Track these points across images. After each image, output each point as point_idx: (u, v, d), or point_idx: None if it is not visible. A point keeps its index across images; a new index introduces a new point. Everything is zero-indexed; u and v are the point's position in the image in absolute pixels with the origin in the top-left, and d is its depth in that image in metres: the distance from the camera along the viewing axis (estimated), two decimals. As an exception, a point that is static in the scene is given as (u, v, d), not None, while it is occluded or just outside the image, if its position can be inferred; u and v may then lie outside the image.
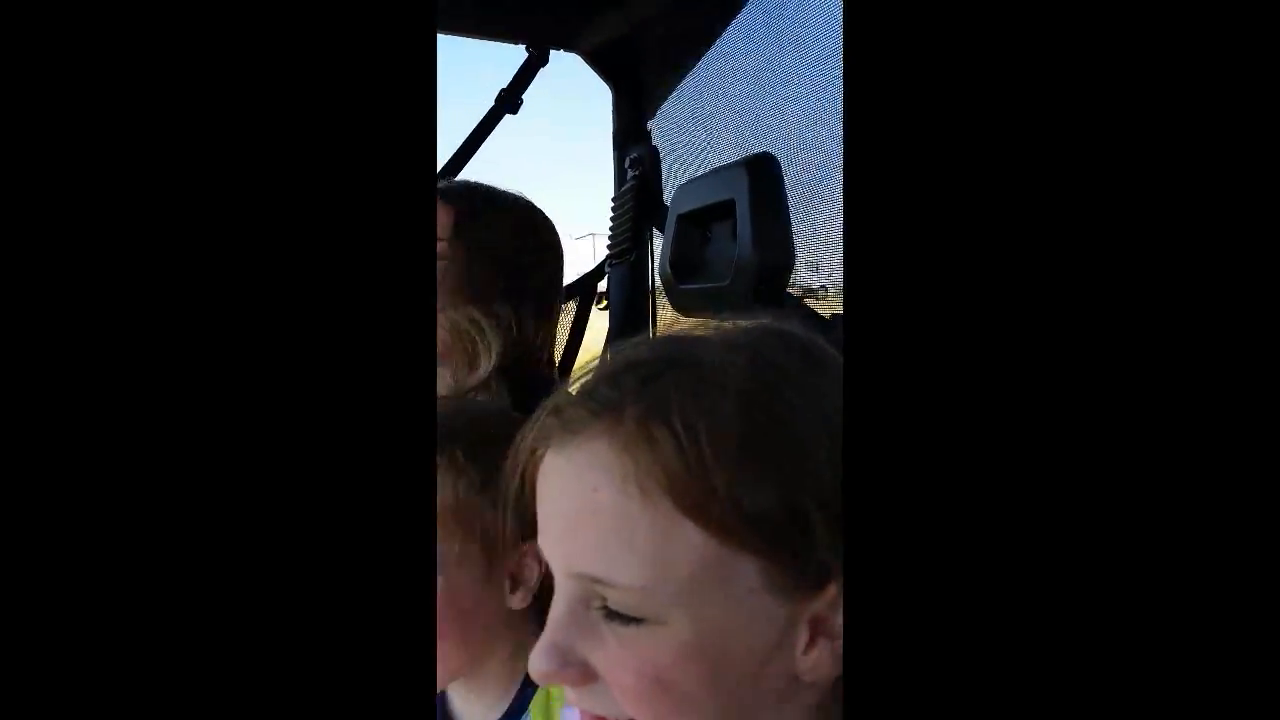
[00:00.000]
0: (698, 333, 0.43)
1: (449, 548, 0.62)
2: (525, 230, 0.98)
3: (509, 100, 1.30)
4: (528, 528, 0.44)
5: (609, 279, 1.36)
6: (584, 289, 1.37)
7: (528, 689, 0.67)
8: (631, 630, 0.38)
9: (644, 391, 0.38)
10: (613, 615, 0.38)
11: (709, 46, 1.16)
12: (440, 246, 0.91)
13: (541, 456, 0.42)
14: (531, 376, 0.98)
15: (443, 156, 1.27)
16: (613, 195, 1.34)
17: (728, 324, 0.43)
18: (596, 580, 0.38)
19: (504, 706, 0.67)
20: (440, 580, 0.61)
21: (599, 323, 1.40)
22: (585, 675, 0.39)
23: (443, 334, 0.86)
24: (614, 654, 0.38)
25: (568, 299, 1.32)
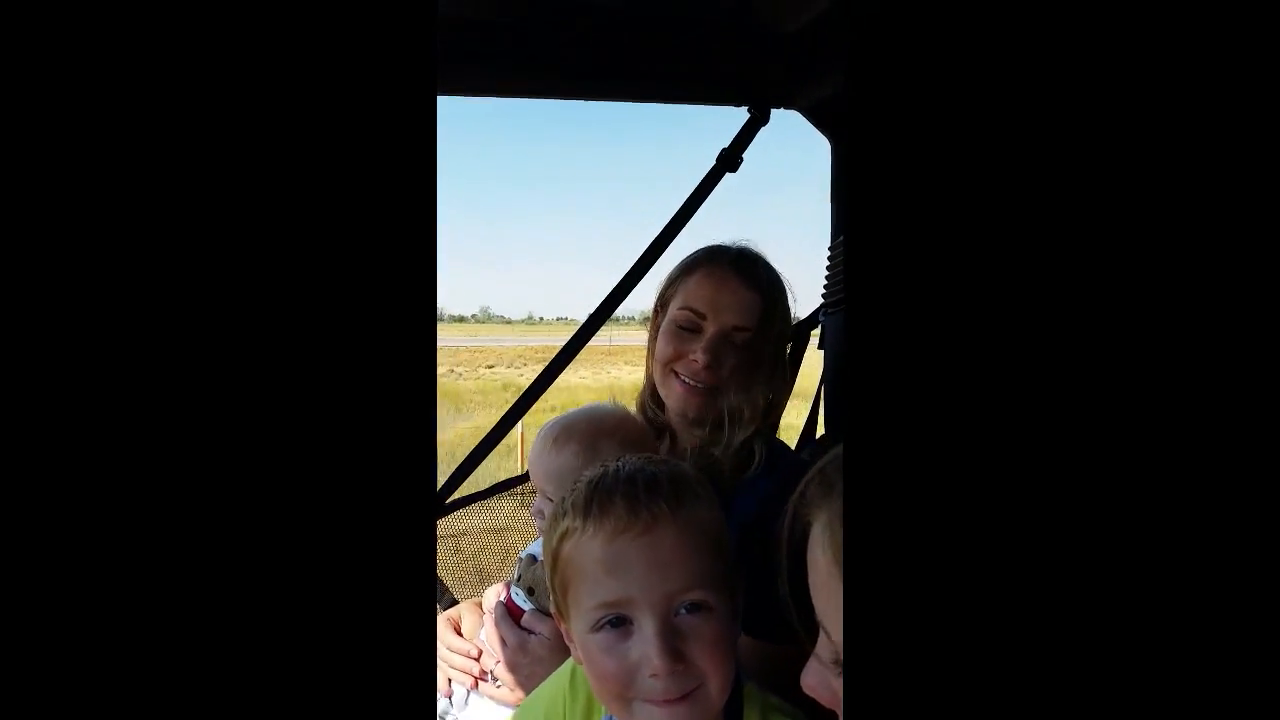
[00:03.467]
0: None
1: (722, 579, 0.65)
2: (789, 313, 1.14)
3: (730, 159, 1.37)
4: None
5: (824, 327, 1.34)
6: (796, 338, 1.36)
7: None
8: None
9: None
10: None
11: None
12: (745, 335, 1.07)
13: (811, 526, 0.43)
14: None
15: (667, 214, 1.37)
16: (829, 244, 1.35)
17: None
18: None
19: None
20: (723, 614, 0.64)
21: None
22: None
23: (728, 403, 1.05)
24: None
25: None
